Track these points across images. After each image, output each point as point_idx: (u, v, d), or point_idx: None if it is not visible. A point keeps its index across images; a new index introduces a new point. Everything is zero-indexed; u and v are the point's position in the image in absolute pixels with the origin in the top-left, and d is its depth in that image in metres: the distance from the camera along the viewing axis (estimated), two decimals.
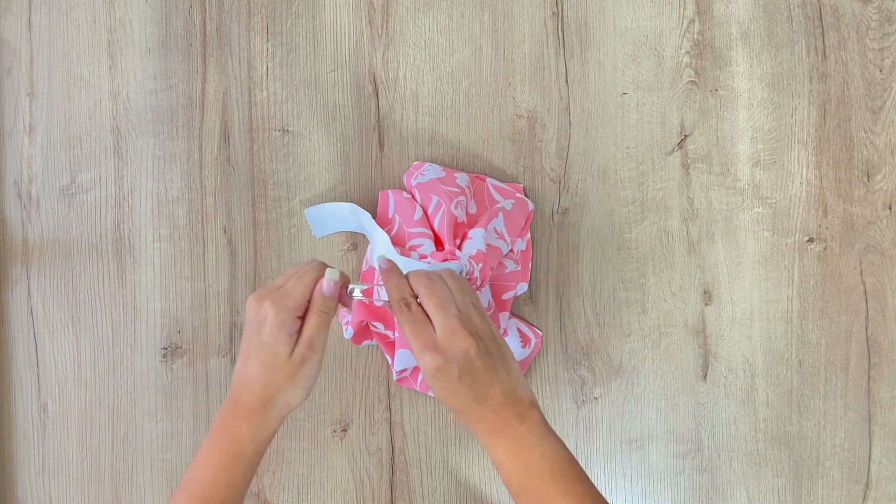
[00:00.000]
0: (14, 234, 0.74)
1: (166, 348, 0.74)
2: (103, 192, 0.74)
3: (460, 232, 0.67)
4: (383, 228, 0.68)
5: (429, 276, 0.56)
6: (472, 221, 0.69)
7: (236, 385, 0.57)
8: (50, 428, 0.74)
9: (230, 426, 0.56)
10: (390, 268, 0.57)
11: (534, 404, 0.56)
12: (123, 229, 0.74)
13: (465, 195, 0.69)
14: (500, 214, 0.68)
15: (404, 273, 0.57)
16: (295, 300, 0.56)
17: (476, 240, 0.66)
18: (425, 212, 0.68)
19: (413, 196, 0.70)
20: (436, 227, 0.67)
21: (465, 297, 0.56)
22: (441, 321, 0.54)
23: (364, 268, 0.72)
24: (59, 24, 0.75)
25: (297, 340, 0.56)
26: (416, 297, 0.55)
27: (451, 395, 0.54)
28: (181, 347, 0.74)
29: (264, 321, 0.55)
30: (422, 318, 0.55)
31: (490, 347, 0.55)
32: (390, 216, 0.69)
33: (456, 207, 0.67)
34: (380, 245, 0.66)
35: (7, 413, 0.74)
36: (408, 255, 0.65)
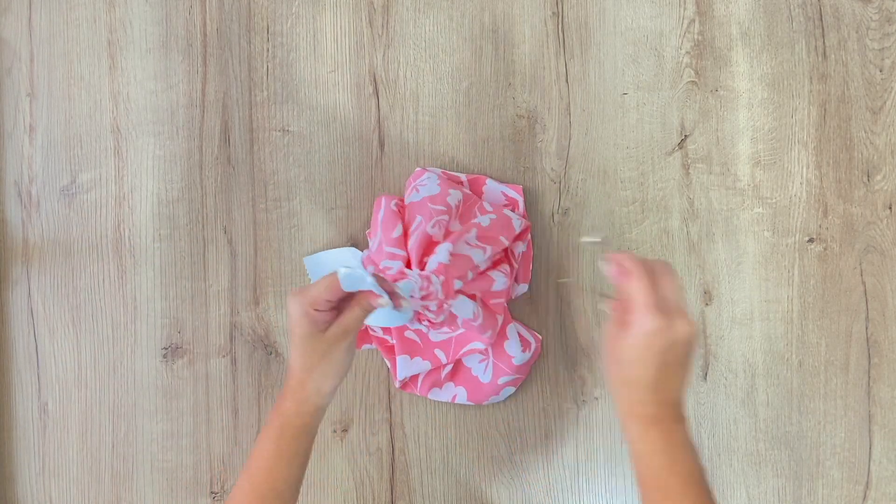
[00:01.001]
0: (14, 234, 0.74)
1: (166, 348, 0.74)
2: (103, 192, 0.74)
3: (431, 249, 0.66)
4: (373, 235, 0.69)
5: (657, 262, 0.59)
6: (447, 238, 0.67)
7: (287, 372, 0.61)
8: (50, 428, 0.74)
9: (277, 406, 0.60)
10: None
11: (685, 416, 0.58)
12: (123, 229, 0.74)
13: (451, 214, 0.68)
14: (474, 231, 0.67)
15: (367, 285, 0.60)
16: (312, 294, 0.59)
17: (439, 254, 0.65)
18: (406, 230, 0.67)
19: (402, 210, 0.69)
20: (409, 246, 0.67)
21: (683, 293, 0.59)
22: (675, 299, 0.56)
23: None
24: (59, 24, 0.75)
25: (329, 326, 0.60)
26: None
27: (645, 361, 0.55)
28: (181, 347, 0.74)
29: (290, 316, 0.60)
30: (679, 283, 0.57)
31: (692, 347, 0.57)
32: (379, 225, 0.69)
33: (433, 227, 0.66)
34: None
35: (7, 413, 0.74)
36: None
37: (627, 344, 0.56)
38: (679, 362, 0.56)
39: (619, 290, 0.57)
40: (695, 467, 0.56)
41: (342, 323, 0.60)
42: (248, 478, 0.59)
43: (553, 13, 0.74)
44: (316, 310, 0.59)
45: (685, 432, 0.57)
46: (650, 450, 0.56)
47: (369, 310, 0.61)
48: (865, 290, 0.74)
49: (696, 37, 0.74)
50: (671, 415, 0.57)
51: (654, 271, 0.57)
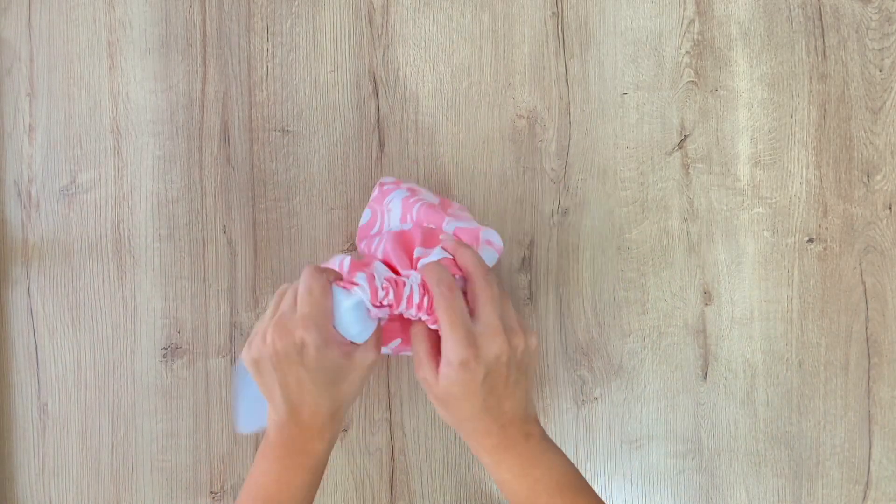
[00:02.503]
0: (14, 234, 0.74)
1: (166, 348, 0.74)
2: (103, 192, 0.74)
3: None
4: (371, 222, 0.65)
5: (484, 267, 0.55)
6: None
7: (289, 415, 0.54)
8: (50, 428, 0.74)
9: (302, 447, 0.54)
10: (454, 245, 0.56)
11: (536, 420, 0.55)
12: (123, 229, 0.74)
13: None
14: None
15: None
16: (327, 313, 0.53)
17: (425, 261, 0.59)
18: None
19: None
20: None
21: (508, 302, 0.55)
22: (486, 317, 0.52)
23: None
24: (59, 24, 0.75)
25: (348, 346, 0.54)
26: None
27: (466, 397, 0.52)
28: (181, 347, 0.74)
29: (304, 347, 0.51)
30: (464, 308, 0.52)
31: (521, 361, 0.53)
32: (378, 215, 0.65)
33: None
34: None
35: (7, 413, 0.74)
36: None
37: (448, 381, 0.52)
38: (505, 383, 0.52)
39: (413, 328, 0.55)
40: (561, 474, 0.53)
41: (371, 340, 0.54)
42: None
43: (553, 13, 0.74)
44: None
45: (539, 441, 0.54)
46: (508, 477, 0.54)
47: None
48: (865, 290, 0.74)
49: (696, 37, 0.74)
50: (519, 433, 0.53)
51: (479, 284, 0.54)
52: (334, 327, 0.53)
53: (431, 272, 0.54)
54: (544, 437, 0.55)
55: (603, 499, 0.56)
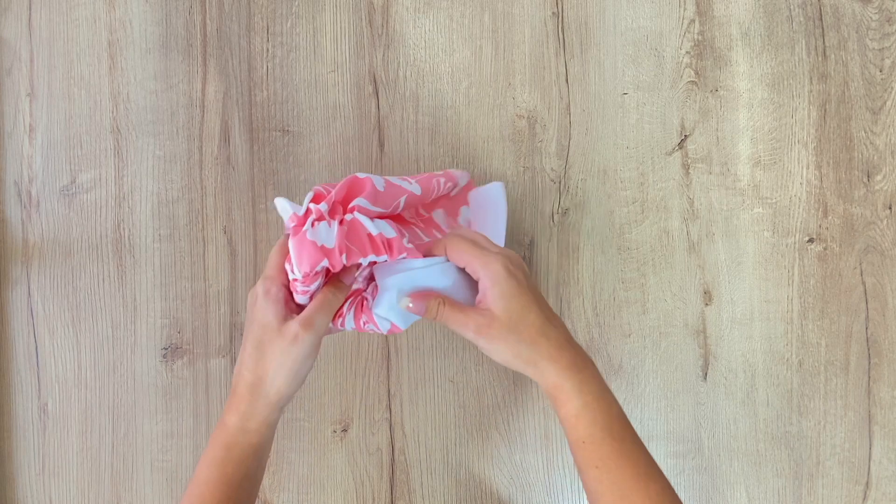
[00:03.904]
0: (14, 234, 0.74)
1: (166, 348, 0.74)
2: (103, 192, 0.74)
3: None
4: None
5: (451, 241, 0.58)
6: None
7: (234, 377, 0.55)
8: (50, 428, 0.74)
9: (222, 418, 0.53)
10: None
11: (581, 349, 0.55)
12: (123, 229, 0.74)
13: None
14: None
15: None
16: (272, 267, 0.54)
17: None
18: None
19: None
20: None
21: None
22: (489, 243, 0.56)
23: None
24: (59, 24, 0.75)
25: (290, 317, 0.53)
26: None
27: (526, 306, 0.52)
28: (181, 347, 0.74)
29: (254, 298, 0.54)
30: (478, 234, 0.57)
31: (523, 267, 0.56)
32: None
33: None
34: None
35: (7, 413, 0.74)
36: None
37: (500, 308, 0.52)
38: (538, 288, 0.54)
39: (432, 304, 0.55)
40: (620, 409, 0.54)
41: (304, 313, 0.52)
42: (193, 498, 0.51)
43: (553, 13, 0.74)
44: (285, 286, 0.53)
45: (597, 371, 0.54)
46: (588, 400, 0.52)
47: (344, 291, 0.54)
48: (865, 290, 0.74)
49: (696, 37, 0.74)
50: (582, 353, 0.54)
51: (443, 244, 0.56)
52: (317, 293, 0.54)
53: (438, 246, 0.57)
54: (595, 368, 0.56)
55: None
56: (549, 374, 0.52)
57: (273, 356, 0.51)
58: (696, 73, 0.74)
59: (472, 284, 0.59)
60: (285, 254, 0.54)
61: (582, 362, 0.53)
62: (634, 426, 0.72)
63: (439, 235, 0.65)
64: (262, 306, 0.53)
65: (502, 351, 0.53)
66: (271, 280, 0.54)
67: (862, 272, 0.74)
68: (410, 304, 0.55)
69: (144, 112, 0.74)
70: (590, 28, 0.74)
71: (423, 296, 0.56)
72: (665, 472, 0.72)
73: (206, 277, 0.74)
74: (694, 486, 0.73)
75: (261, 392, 0.52)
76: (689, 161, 0.74)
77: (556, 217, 0.74)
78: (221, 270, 0.74)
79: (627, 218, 0.74)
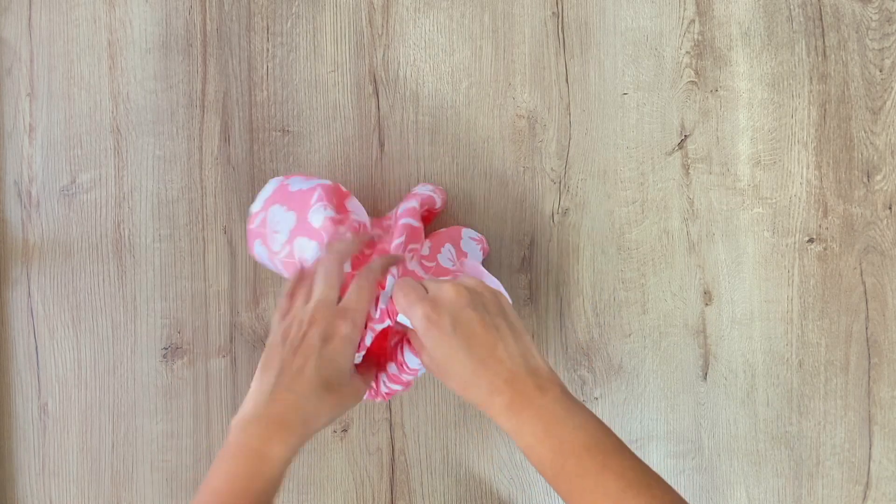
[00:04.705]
0: (14, 234, 0.74)
1: (166, 348, 0.74)
2: (103, 192, 0.74)
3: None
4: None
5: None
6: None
7: (266, 405, 0.50)
8: (50, 428, 0.74)
9: (259, 448, 0.49)
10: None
11: (551, 375, 0.50)
12: (123, 229, 0.74)
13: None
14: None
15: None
16: (360, 305, 0.52)
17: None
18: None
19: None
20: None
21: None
22: (433, 284, 0.52)
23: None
24: (59, 24, 0.75)
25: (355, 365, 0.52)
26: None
27: (449, 353, 0.49)
28: (181, 348, 0.74)
29: (332, 337, 0.50)
30: (413, 282, 0.53)
31: (487, 304, 0.50)
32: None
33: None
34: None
35: (7, 413, 0.74)
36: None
37: (426, 344, 0.50)
38: (482, 327, 0.49)
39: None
40: (589, 435, 0.47)
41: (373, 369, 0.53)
42: None
43: (553, 13, 0.74)
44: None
45: (560, 397, 0.48)
46: (531, 441, 0.48)
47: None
48: (865, 290, 0.74)
49: (696, 37, 0.74)
50: (530, 386, 0.48)
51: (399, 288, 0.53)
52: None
53: (369, 277, 0.54)
54: (565, 394, 0.49)
55: None
56: (488, 414, 0.51)
57: (340, 398, 0.51)
58: (696, 73, 0.74)
59: None
60: (375, 293, 0.53)
61: (521, 401, 0.48)
62: (635, 426, 0.72)
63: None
64: (342, 350, 0.51)
65: (448, 384, 0.53)
66: (354, 324, 0.51)
67: (862, 272, 0.74)
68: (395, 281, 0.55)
69: (144, 112, 0.74)
70: (590, 28, 0.74)
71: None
72: (665, 473, 0.72)
73: (206, 277, 0.74)
74: (694, 486, 0.73)
75: (314, 427, 0.50)
76: (689, 161, 0.74)
77: (556, 217, 0.74)
78: (221, 270, 0.74)
79: (627, 218, 0.74)
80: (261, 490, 0.48)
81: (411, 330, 0.55)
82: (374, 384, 0.61)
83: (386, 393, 0.62)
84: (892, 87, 0.74)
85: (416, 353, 0.56)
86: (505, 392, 0.48)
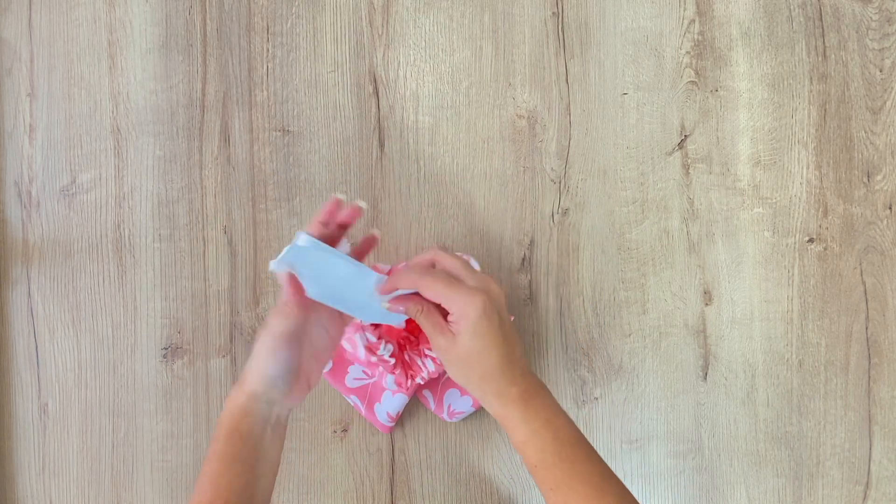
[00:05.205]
0: (14, 234, 0.74)
1: (166, 348, 0.74)
2: (103, 192, 0.74)
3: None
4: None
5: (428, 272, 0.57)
6: None
7: (242, 377, 0.56)
8: (50, 428, 0.74)
9: (227, 403, 0.55)
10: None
11: (534, 375, 0.56)
12: (123, 229, 0.74)
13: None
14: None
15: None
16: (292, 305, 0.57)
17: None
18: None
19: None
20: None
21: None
22: (471, 274, 0.55)
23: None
24: (59, 24, 0.75)
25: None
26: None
27: (491, 346, 0.53)
28: (181, 347, 0.74)
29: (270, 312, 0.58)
30: (449, 276, 0.55)
31: (506, 305, 0.56)
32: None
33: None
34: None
35: (7, 413, 0.74)
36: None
37: (464, 342, 0.53)
38: (510, 326, 0.55)
39: (413, 308, 0.55)
40: (576, 429, 0.55)
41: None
42: (196, 492, 0.52)
43: (553, 13, 0.74)
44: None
45: (550, 394, 0.56)
46: (536, 427, 0.53)
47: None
48: (865, 290, 0.74)
49: (696, 37, 0.74)
50: (536, 380, 0.55)
51: (429, 265, 0.56)
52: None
53: (399, 281, 0.56)
54: (548, 392, 0.57)
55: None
56: (496, 406, 0.55)
57: (294, 327, 0.56)
58: (696, 73, 0.74)
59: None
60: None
61: (531, 392, 0.55)
62: (635, 426, 0.72)
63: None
64: (276, 312, 0.57)
65: (455, 375, 0.56)
66: (288, 301, 0.57)
67: (862, 272, 0.74)
68: (388, 305, 0.57)
69: (144, 112, 0.74)
70: (590, 28, 0.74)
71: (405, 299, 0.57)
72: (665, 472, 0.72)
73: (206, 277, 0.74)
74: (694, 486, 0.73)
75: (271, 361, 0.56)
76: (689, 161, 0.74)
77: (556, 217, 0.74)
78: (221, 270, 0.74)
79: (627, 218, 0.74)
80: (243, 456, 0.53)
81: (434, 314, 0.56)
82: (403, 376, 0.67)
83: (419, 381, 0.67)
84: (892, 87, 0.74)
85: (439, 336, 0.55)
86: (520, 383, 0.54)
